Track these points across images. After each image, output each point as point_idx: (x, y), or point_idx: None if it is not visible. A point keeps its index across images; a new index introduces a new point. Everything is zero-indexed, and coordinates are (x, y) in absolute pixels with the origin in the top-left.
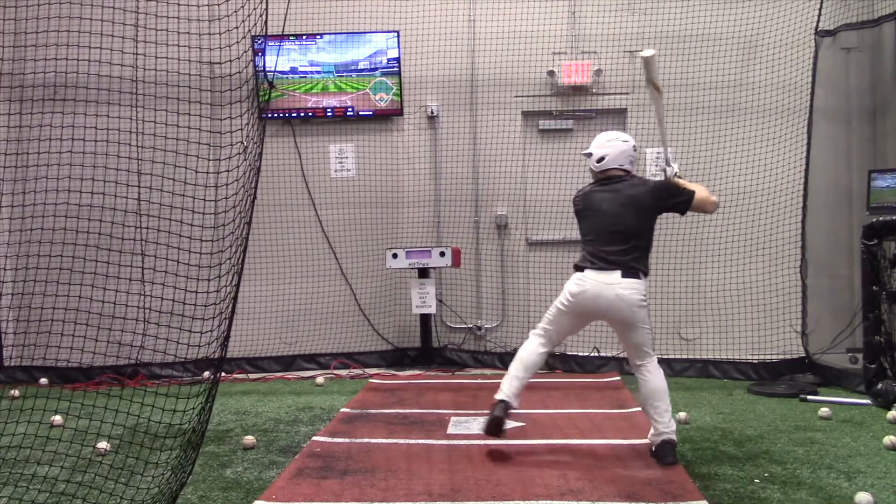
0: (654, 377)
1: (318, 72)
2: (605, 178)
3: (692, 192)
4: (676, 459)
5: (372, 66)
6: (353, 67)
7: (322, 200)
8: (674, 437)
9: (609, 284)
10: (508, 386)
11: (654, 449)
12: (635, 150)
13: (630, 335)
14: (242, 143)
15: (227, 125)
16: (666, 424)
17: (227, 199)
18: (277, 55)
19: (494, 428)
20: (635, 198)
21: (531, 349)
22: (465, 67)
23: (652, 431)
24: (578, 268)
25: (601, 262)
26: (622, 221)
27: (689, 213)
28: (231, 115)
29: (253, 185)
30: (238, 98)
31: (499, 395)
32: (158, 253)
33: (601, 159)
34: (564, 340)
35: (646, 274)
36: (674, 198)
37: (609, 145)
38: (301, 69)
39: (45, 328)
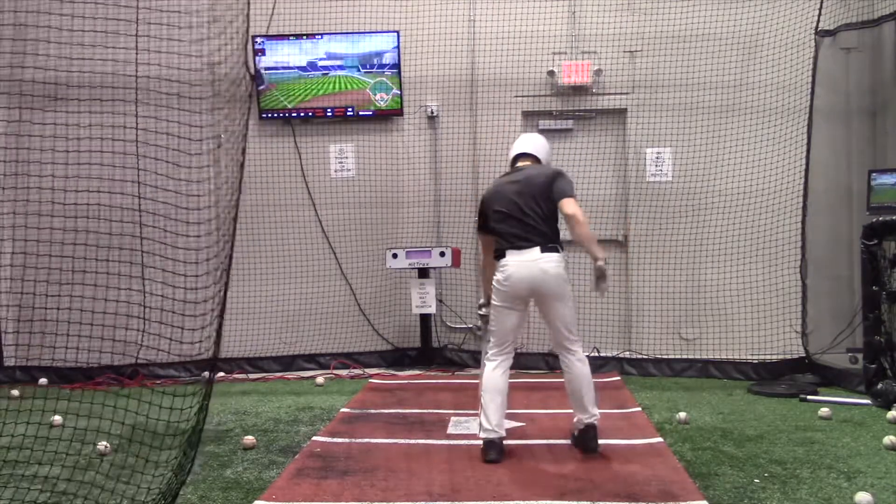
0: (583, 364)
1: (339, 66)
2: (514, 169)
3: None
4: (598, 445)
5: (380, 65)
6: (375, 62)
7: (322, 200)
8: (596, 422)
9: (532, 261)
10: (488, 418)
11: (576, 435)
12: (541, 138)
13: (559, 309)
14: (220, 136)
15: (210, 122)
16: (591, 412)
17: (208, 195)
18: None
19: (496, 460)
20: (537, 177)
21: (489, 371)
22: (465, 67)
23: (576, 419)
24: (499, 255)
25: (519, 241)
26: (531, 202)
27: (688, 215)
28: (212, 112)
29: (238, 180)
30: (227, 97)
31: (485, 434)
32: (155, 253)
33: (509, 159)
34: (516, 344)
35: (562, 248)
36: (563, 179)
37: (515, 144)
38: (321, 64)
39: (46, 328)
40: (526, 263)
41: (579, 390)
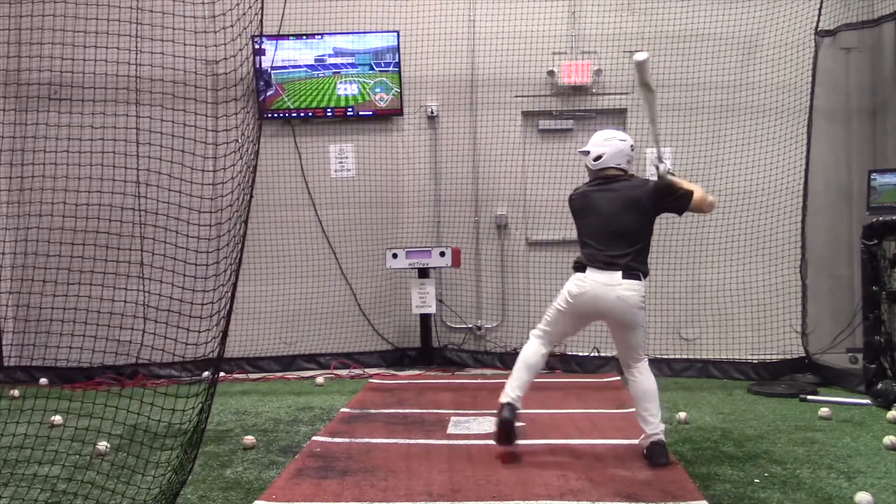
0: (645, 378)
1: (351, 64)
2: (603, 178)
3: (690, 192)
4: (669, 459)
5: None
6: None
7: (322, 200)
8: (663, 437)
9: (609, 285)
10: (512, 388)
11: (644, 452)
12: (632, 150)
13: (627, 336)
14: (237, 140)
15: (224, 124)
16: (655, 426)
17: (223, 197)
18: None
19: (505, 436)
20: (635, 198)
21: (532, 350)
22: (465, 67)
23: (642, 434)
24: (579, 267)
25: (602, 263)
26: (622, 222)
27: (687, 214)
28: (227, 114)
29: (249, 183)
30: (234, 96)
31: (503, 398)
32: (158, 252)
33: (598, 157)
34: (565, 340)
35: (646, 275)
36: (671, 197)
37: (606, 144)
38: (330, 60)
39: (45, 328)
40: (603, 287)
41: (639, 401)
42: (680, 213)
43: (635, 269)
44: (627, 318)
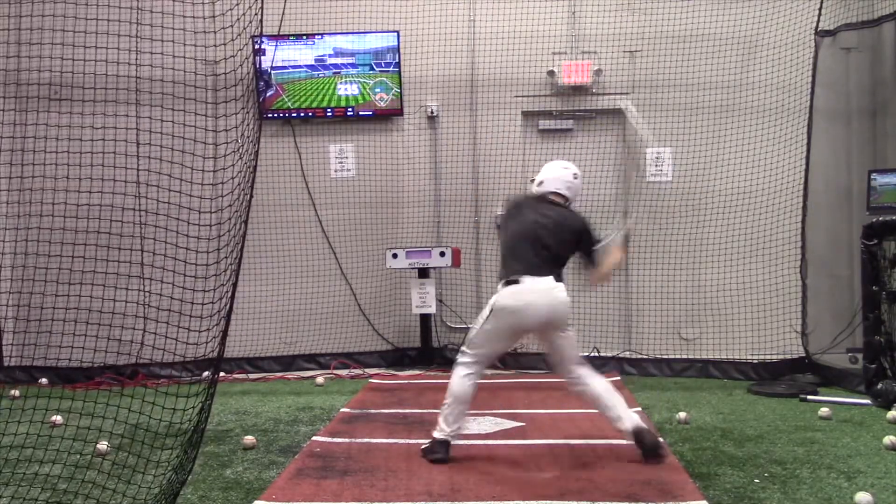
0: (594, 381)
1: (351, 64)
2: (543, 200)
3: (602, 256)
4: (658, 441)
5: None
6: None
7: (322, 200)
8: (640, 423)
9: (548, 290)
10: (447, 422)
11: (635, 445)
12: (576, 178)
13: (563, 339)
14: (237, 140)
15: (224, 124)
16: (627, 419)
17: (223, 197)
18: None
19: (438, 462)
20: (568, 224)
21: (460, 382)
22: (465, 67)
23: (622, 433)
24: (511, 281)
25: (537, 271)
26: (555, 241)
27: (688, 215)
28: (226, 114)
29: (249, 183)
30: (234, 96)
31: (438, 434)
32: (158, 252)
33: (540, 183)
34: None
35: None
36: (591, 246)
37: (549, 172)
38: (331, 61)
39: (45, 328)
40: (542, 292)
41: (602, 404)
42: (587, 261)
43: (559, 274)
44: (565, 319)
